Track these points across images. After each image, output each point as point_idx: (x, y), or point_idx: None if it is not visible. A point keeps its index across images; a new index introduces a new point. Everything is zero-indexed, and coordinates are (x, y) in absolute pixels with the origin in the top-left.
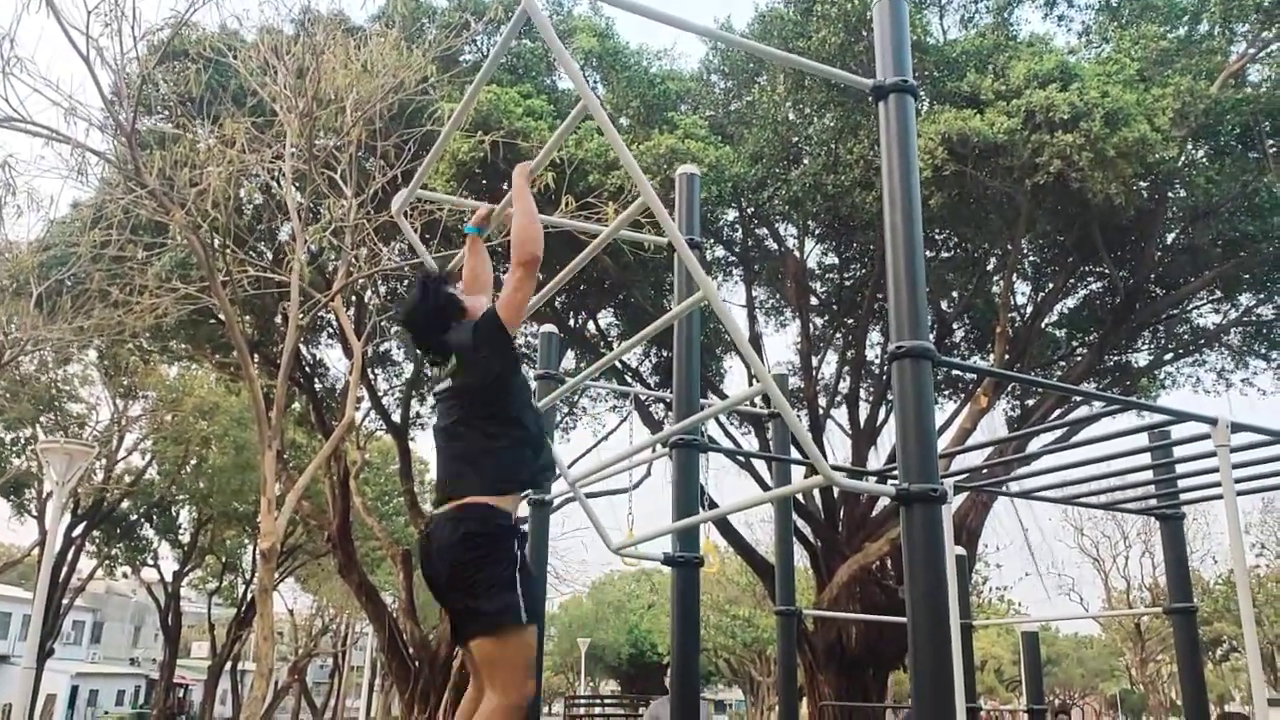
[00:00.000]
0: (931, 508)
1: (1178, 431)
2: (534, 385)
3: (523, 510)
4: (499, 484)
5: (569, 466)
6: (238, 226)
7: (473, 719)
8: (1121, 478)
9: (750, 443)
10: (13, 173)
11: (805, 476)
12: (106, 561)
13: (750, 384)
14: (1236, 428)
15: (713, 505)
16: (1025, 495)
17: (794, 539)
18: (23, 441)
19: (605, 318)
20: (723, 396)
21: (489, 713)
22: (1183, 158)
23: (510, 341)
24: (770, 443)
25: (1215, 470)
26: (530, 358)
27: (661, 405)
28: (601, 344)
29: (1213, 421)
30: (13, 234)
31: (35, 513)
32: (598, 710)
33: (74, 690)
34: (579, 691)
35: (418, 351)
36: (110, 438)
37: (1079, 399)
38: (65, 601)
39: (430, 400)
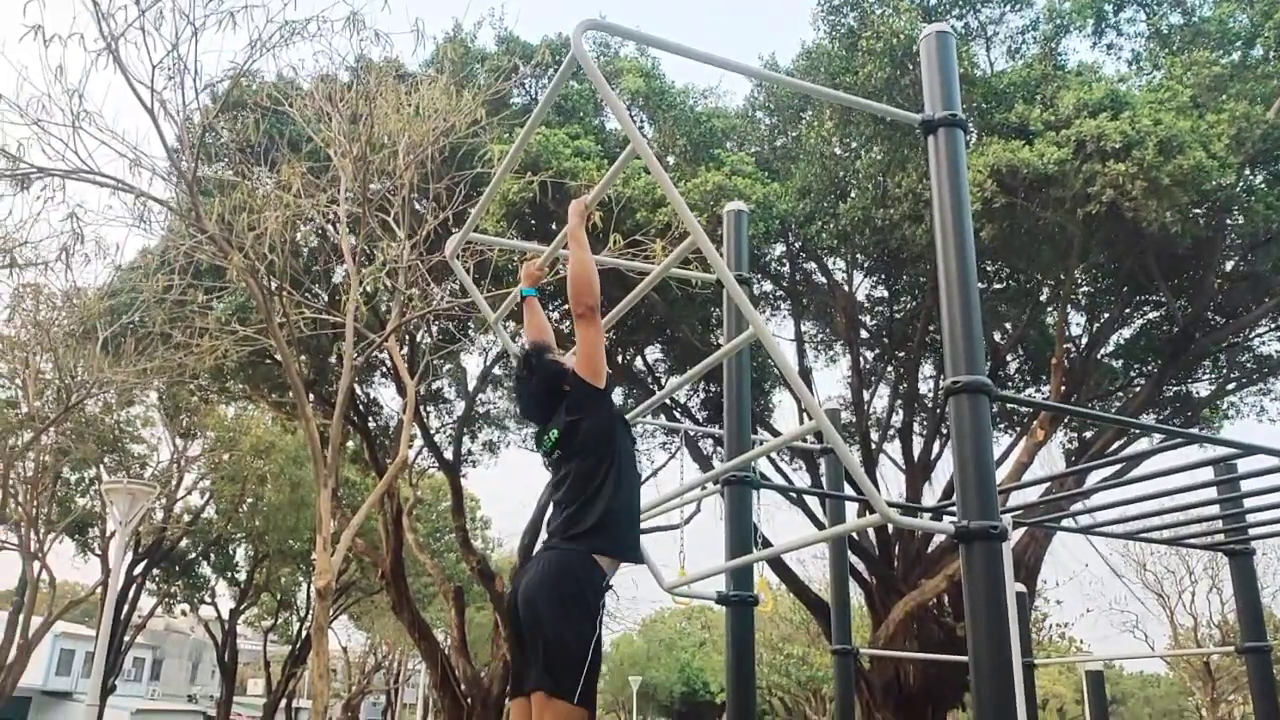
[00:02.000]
0: (992, 545)
1: (1244, 464)
2: None
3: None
4: (604, 546)
5: None
6: (294, 269)
7: None
8: (1185, 512)
9: (801, 478)
10: (80, 223)
11: (859, 513)
12: (166, 599)
13: (801, 419)
14: None
15: (766, 543)
16: (1085, 531)
17: (849, 577)
18: (87, 481)
19: (653, 353)
20: (773, 431)
21: None
22: (1240, 184)
23: (603, 396)
24: (823, 478)
25: None
26: None
27: (710, 440)
28: (649, 379)
29: None
30: (81, 280)
31: (98, 551)
32: None
33: None
34: None
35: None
36: (170, 477)
37: (1138, 432)
38: (126, 639)
39: (483, 437)
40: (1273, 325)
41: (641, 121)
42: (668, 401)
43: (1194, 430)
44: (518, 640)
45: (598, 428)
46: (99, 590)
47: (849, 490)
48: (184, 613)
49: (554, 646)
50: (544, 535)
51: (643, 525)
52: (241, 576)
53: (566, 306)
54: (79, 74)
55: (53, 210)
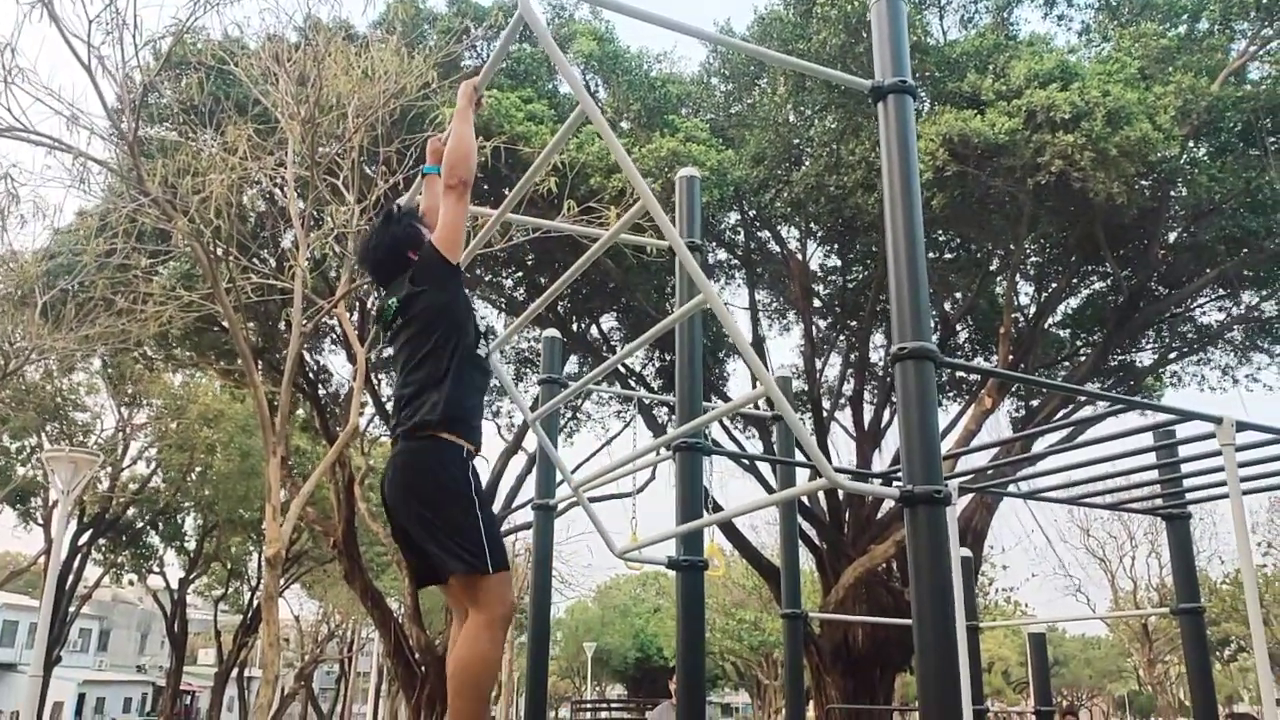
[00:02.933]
0: (936, 509)
1: (1183, 431)
2: (537, 390)
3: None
4: (455, 421)
5: (572, 471)
6: (241, 234)
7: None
8: (1127, 478)
9: (754, 446)
10: (15, 183)
11: (810, 479)
12: (113, 569)
13: (754, 387)
14: (1242, 426)
15: (717, 509)
16: (1030, 496)
17: (799, 542)
18: (28, 450)
19: (608, 322)
20: (726, 399)
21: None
22: (1185, 156)
23: (453, 271)
24: (774, 446)
25: (1221, 469)
26: (533, 362)
27: (665, 409)
28: (604, 348)
29: (1217, 420)
30: (17, 243)
31: (41, 521)
32: (604, 714)
33: (81, 698)
34: (585, 695)
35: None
36: (115, 446)
37: (1084, 399)
38: (72, 609)
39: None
40: (1214, 295)
41: (595, 86)
42: (621, 369)
43: (1135, 398)
44: (404, 537)
45: (443, 303)
46: (41, 560)
47: (799, 457)
48: (131, 583)
49: (448, 536)
50: (392, 411)
51: (598, 491)
52: (191, 546)
53: (518, 275)
54: (10, 27)
55: None
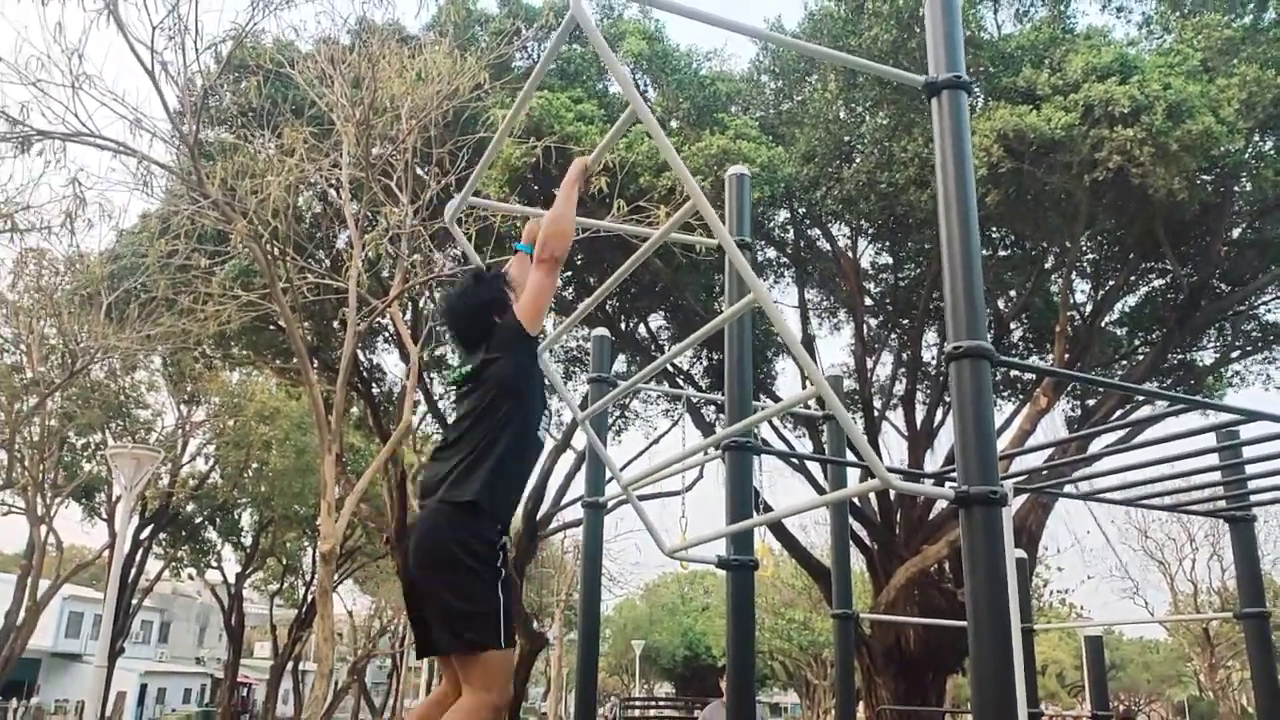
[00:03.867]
0: (992, 510)
1: (1247, 431)
2: (586, 389)
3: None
4: (493, 494)
5: (621, 469)
6: (297, 234)
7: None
8: (1187, 479)
9: (804, 445)
10: (83, 187)
11: (861, 479)
12: (173, 564)
13: (803, 385)
14: None
15: (767, 509)
16: (1087, 497)
17: (850, 542)
18: (93, 447)
19: (656, 320)
20: (775, 399)
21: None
22: (1249, 150)
23: (530, 342)
24: (824, 445)
25: None
26: (583, 361)
27: (713, 408)
28: (653, 347)
29: None
30: (84, 245)
31: (105, 516)
32: (653, 712)
33: (143, 688)
34: (634, 693)
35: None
36: (175, 443)
37: (1141, 399)
38: (134, 602)
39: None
40: (1279, 293)
41: (645, 85)
42: (669, 368)
43: (1197, 398)
44: (414, 601)
45: (511, 372)
46: (105, 554)
47: (850, 457)
48: (190, 577)
49: (459, 609)
50: (428, 470)
51: (646, 490)
52: (247, 541)
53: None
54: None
55: (54, 174)
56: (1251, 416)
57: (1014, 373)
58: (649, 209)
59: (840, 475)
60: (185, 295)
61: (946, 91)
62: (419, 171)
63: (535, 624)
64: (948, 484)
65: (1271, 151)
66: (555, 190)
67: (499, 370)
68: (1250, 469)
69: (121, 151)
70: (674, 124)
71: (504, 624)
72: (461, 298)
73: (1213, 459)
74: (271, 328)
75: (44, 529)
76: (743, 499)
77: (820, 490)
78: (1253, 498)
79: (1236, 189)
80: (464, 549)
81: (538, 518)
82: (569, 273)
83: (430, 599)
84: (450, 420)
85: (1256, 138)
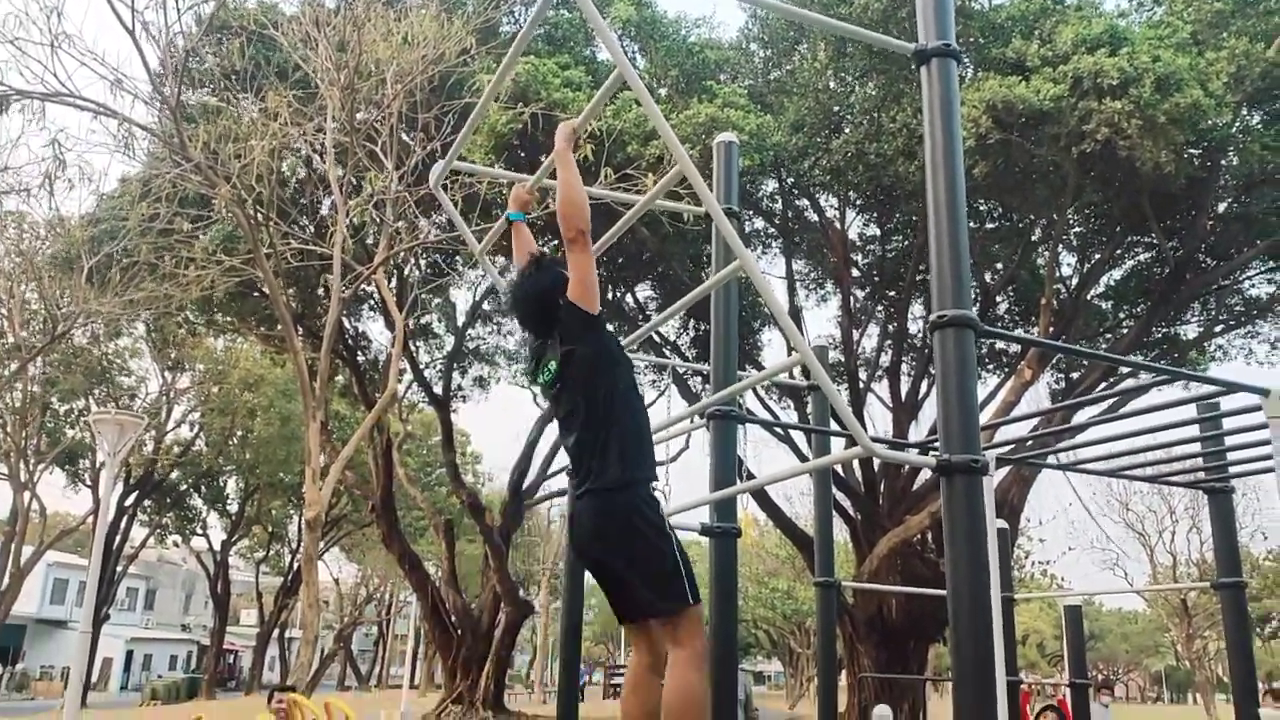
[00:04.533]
0: (973, 479)
1: (1228, 403)
2: None
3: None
4: (635, 475)
5: None
6: (281, 200)
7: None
8: (1168, 450)
9: (790, 418)
10: (62, 148)
11: (845, 448)
12: (157, 530)
13: (789, 355)
14: None
15: (750, 478)
16: (1069, 467)
17: (834, 512)
18: (76, 413)
19: (643, 290)
20: (761, 370)
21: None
22: (1237, 124)
23: (595, 321)
24: (810, 416)
25: (1266, 443)
26: None
27: (700, 379)
28: (640, 317)
29: (1265, 392)
30: (64, 208)
31: (89, 482)
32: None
33: (129, 654)
34: (619, 661)
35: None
36: (159, 409)
37: (1125, 372)
38: (119, 569)
39: (473, 373)
40: (1263, 267)
41: (633, 52)
42: (655, 338)
43: (1179, 369)
44: (606, 580)
45: (594, 354)
46: (89, 520)
47: (835, 427)
48: (176, 544)
49: (651, 579)
50: (571, 464)
51: None
52: (233, 509)
53: (557, 241)
54: None
55: (33, 136)
56: (1232, 388)
57: (999, 345)
58: (636, 177)
59: (824, 444)
60: (167, 260)
61: (936, 60)
62: (404, 137)
63: (522, 592)
64: (931, 453)
65: (1259, 125)
66: (542, 157)
67: (581, 358)
68: (1229, 440)
69: (102, 113)
70: (662, 92)
71: (690, 579)
72: (524, 287)
73: (1193, 430)
74: (256, 294)
75: (27, 495)
76: (726, 466)
77: (805, 460)
78: (1231, 469)
79: (1224, 163)
80: (633, 524)
81: (524, 486)
82: (556, 240)
83: (622, 574)
84: (558, 416)
85: (1244, 111)
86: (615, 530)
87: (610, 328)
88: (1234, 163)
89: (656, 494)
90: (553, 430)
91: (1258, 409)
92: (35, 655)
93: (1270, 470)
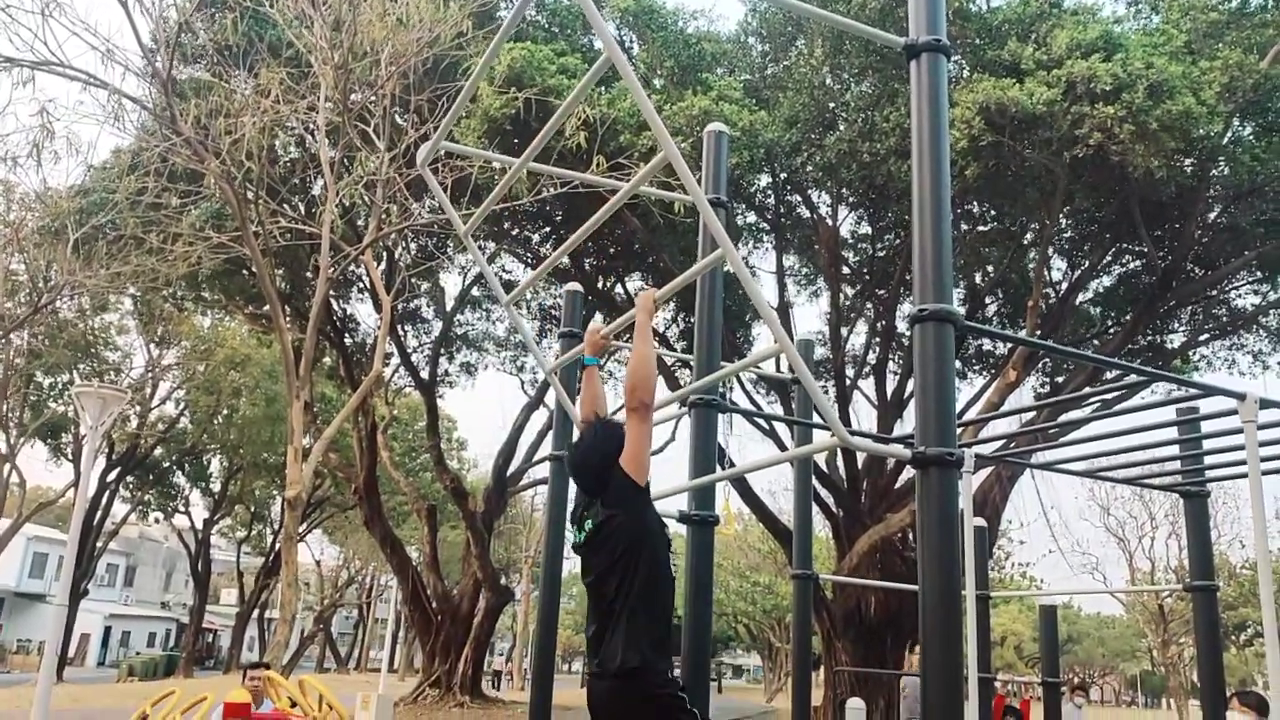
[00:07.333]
0: (948, 472)
1: (1207, 408)
2: (557, 346)
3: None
4: (654, 646)
5: None
6: (271, 178)
7: None
8: (1148, 453)
9: (776, 410)
10: (50, 118)
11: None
12: (139, 507)
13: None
14: (1265, 404)
15: (732, 467)
16: (1048, 467)
17: (816, 508)
18: (60, 386)
19: (634, 282)
20: None
21: None
22: (1228, 133)
23: (641, 492)
24: (794, 409)
25: (1243, 448)
26: (555, 319)
27: (688, 371)
28: (630, 307)
29: (1240, 396)
30: (51, 179)
31: (71, 457)
32: None
33: (107, 630)
34: None
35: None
36: (144, 385)
37: (1109, 377)
38: (99, 544)
39: (460, 359)
40: (1250, 278)
41: (630, 42)
42: None
43: (1159, 371)
44: None
45: (632, 526)
46: (69, 494)
47: (817, 419)
48: (157, 521)
49: None
50: (589, 638)
51: None
52: (215, 487)
53: (546, 230)
54: None
55: (21, 105)
56: (1209, 391)
57: (986, 347)
58: (629, 167)
59: (806, 435)
60: (155, 234)
61: (926, 54)
62: (397, 119)
63: (503, 579)
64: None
65: (1250, 136)
66: (532, 141)
67: (621, 526)
68: (1208, 444)
69: (92, 83)
70: (657, 82)
71: None
72: (589, 453)
73: (1172, 434)
74: (244, 272)
75: (7, 467)
76: (706, 455)
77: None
78: (1208, 474)
79: (1214, 173)
80: (654, 700)
81: (508, 474)
82: (548, 228)
83: None
84: (584, 578)
85: (1236, 122)
86: (635, 712)
87: (656, 505)
88: (1224, 173)
89: (673, 673)
90: (538, 419)
91: (1235, 413)
92: (13, 628)
93: (1245, 475)
